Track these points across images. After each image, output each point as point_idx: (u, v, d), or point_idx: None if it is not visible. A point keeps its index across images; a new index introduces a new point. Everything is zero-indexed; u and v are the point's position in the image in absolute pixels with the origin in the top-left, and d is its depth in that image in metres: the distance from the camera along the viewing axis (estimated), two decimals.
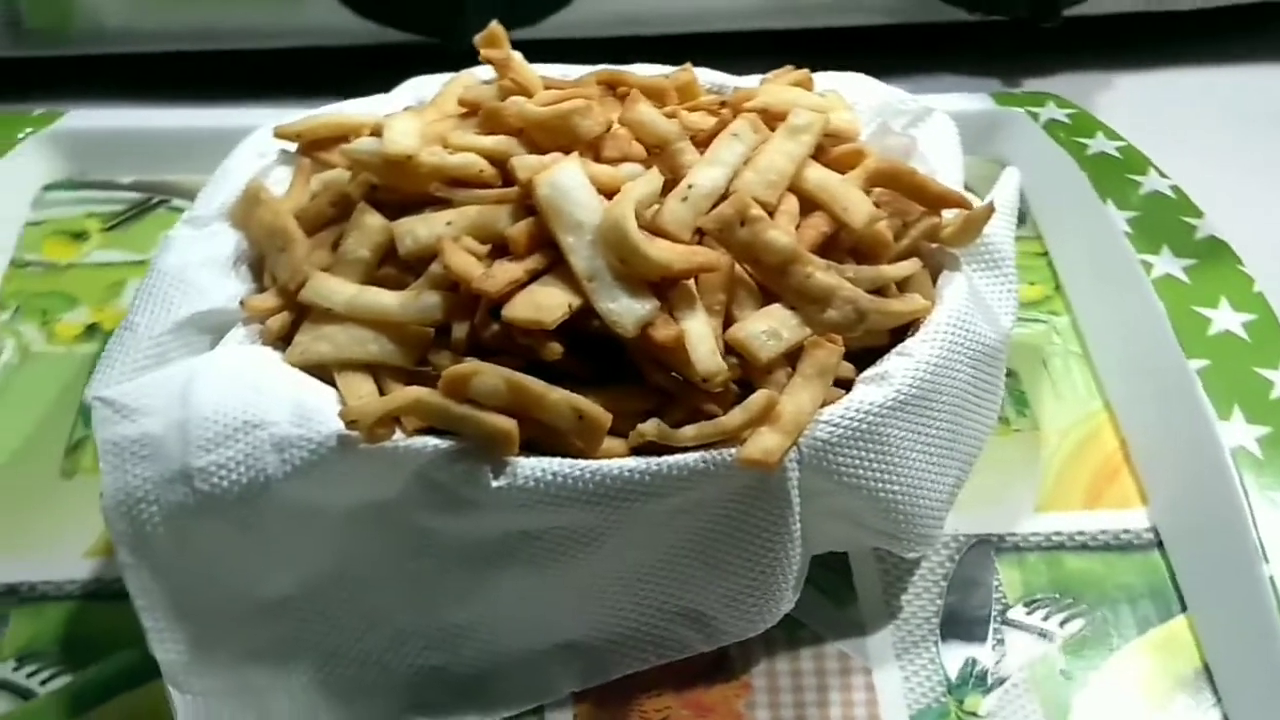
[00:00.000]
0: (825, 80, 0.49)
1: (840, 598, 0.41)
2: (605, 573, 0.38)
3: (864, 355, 0.40)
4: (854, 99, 0.48)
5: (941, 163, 0.45)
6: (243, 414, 0.35)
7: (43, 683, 0.39)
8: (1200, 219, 0.52)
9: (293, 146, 0.45)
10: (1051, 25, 0.66)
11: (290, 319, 0.39)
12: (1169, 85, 0.70)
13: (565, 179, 0.37)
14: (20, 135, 0.59)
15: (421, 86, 0.49)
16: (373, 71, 0.51)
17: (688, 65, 0.48)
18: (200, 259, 0.41)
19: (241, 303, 0.39)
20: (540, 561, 0.37)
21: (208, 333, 0.39)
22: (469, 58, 0.47)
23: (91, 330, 0.52)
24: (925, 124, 0.47)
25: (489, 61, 0.43)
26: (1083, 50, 0.71)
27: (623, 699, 0.39)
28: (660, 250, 0.36)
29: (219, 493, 0.35)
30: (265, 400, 0.36)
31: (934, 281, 0.42)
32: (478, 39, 0.45)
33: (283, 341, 0.39)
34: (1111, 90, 0.70)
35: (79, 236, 0.57)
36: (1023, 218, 0.57)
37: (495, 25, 0.45)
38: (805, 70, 0.47)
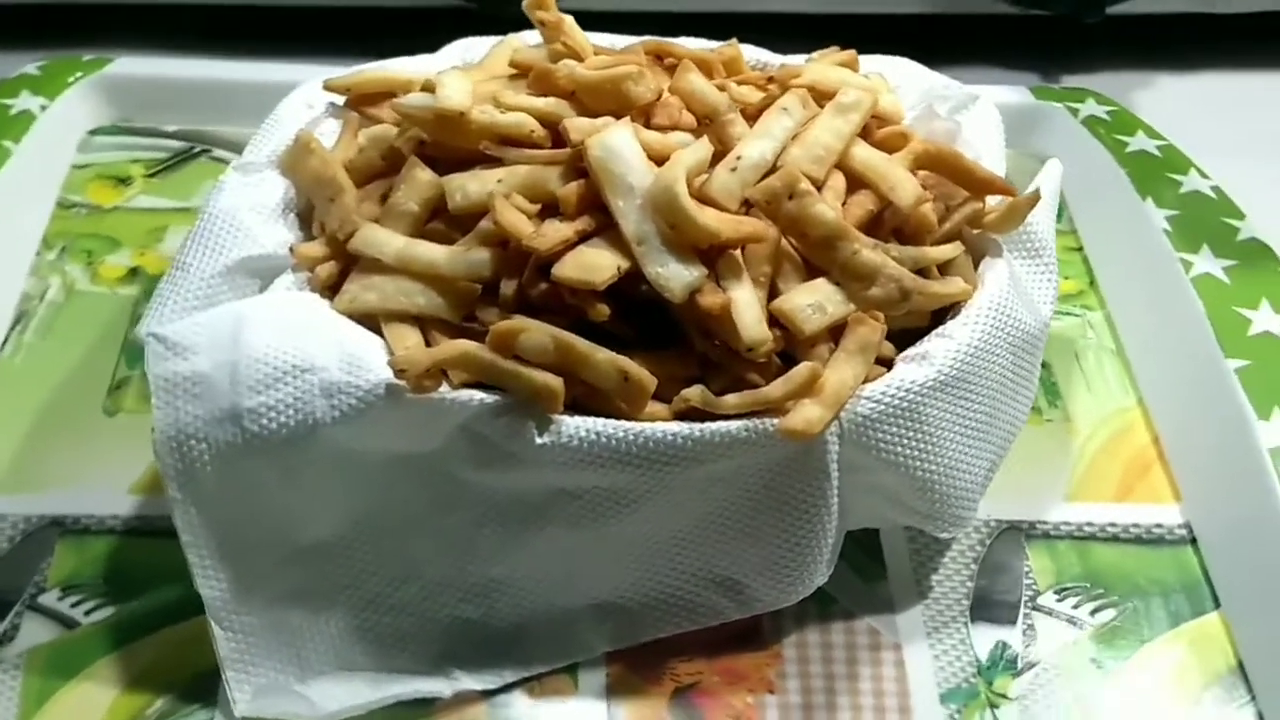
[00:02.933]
0: (870, 63, 0.49)
1: (869, 574, 0.42)
2: (642, 536, 0.38)
3: (903, 336, 0.40)
4: (898, 83, 0.48)
5: (985, 150, 0.45)
6: (292, 358, 0.36)
7: (86, 613, 0.40)
8: (1242, 220, 0.52)
9: (340, 100, 0.46)
10: (1094, 22, 0.66)
11: (338, 268, 0.39)
12: (1210, 87, 0.70)
13: (617, 142, 0.37)
14: (70, 80, 0.59)
15: (469, 48, 0.49)
16: (414, 34, 0.52)
17: (733, 41, 0.48)
18: (251, 204, 0.41)
19: (291, 249, 0.40)
20: (578, 521, 0.37)
21: (257, 277, 0.40)
22: (511, 25, 0.48)
23: (134, 273, 0.52)
24: (970, 111, 0.47)
25: (541, 23, 0.43)
26: (1124, 49, 0.71)
27: (655, 662, 0.39)
28: (710, 218, 0.36)
29: (267, 434, 0.35)
30: (314, 345, 0.36)
31: (975, 266, 0.42)
32: (526, 3, 0.45)
33: (330, 290, 0.39)
34: (1152, 90, 0.70)
35: (123, 181, 0.57)
36: (1059, 213, 0.57)
37: None
38: (851, 51, 0.47)
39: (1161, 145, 0.57)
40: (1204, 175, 0.55)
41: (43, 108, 0.57)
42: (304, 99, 0.46)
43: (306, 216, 0.42)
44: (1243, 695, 0.39)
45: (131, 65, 0.61)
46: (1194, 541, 0.43)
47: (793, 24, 0.65)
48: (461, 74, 0.42)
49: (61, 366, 0.48)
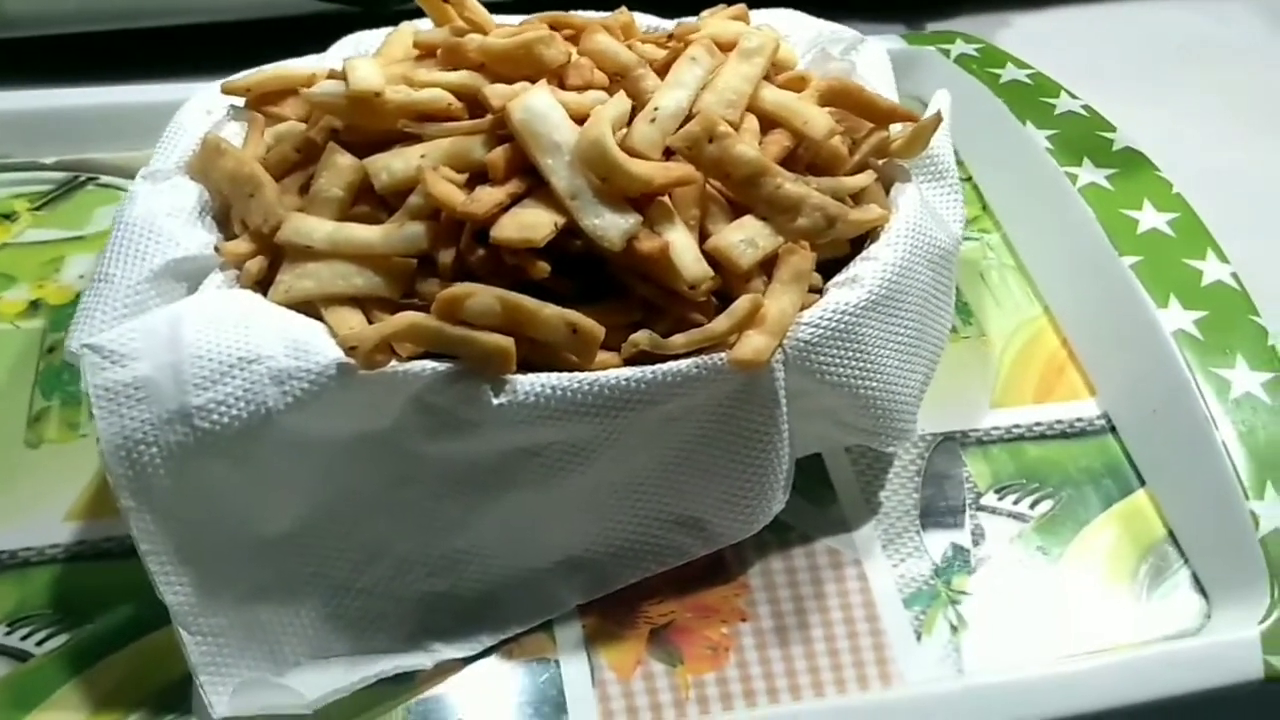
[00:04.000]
0: (758, 17, 0.50)
1: (821, 499, 0.43)
2: (603, 485, 0.39)
3: (827, 267, 0.41)
4: (787, 31, 0.49)
5: (880, 85, 0.47)
6: (236, 350, 0.35)
7: (39, 644, 0.38)
8: (1114, 133, 0.55)
9: (240, 102, 0.45)
10: None
11: (266, 262, 0.39)
12: (1061, 22, 0.74)
13: (538, 103, 0.38)
14: None
15: (361, 41, 0.49)
16: (287, 45, 0.51)
17: (623, 8, 0.49)
18: (166, 209, 0.40)
19: (216, 248, 0.39)
20: (539, 480, 0.38)
21: (183, 280, 0.39)
22: (387, 24, 0.48)
23: (35, 306, 0.51)
24: (860, 51, 0.49)
25: (444, 0, 0.43)
26: None
27: (628, 608, 0.40)
28: (640, 166, 0.37)
29: (219, 429, 0.35)
30: (257, 335, 0.36)
31: (886, 193, 0.44)
32: None
33: (260, 285, 0.39)
34: (1010, 29, 0.73)
35: (8, 217, 0.55)
36: None
37: None
38: (741, 6, 0.49)
39: (1031, 74, 0.60)
40: (1074, 97, 0.58)
41: None
42: (202, 105, 0.45)
43: (223, 219, 0.42)
44: (1177, 560, 0.42)
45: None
46: (1113, 429, 0.46)
47: None
48: (369, 59, 0.42)
49: None
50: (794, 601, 0.40)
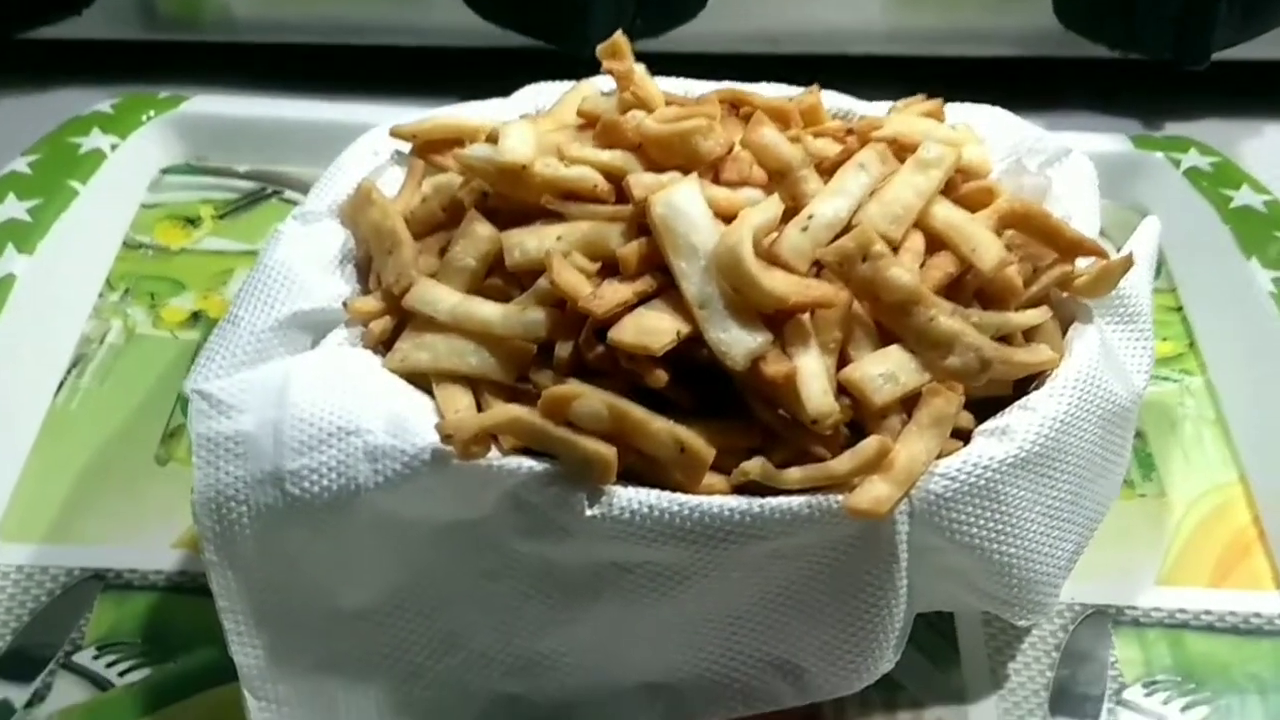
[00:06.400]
0: (958, 112, 0.46)
1: (942, 659, 0.39)
2: (696, 613, 0.36)
3: (984, 405, 0.37)
4: (987, 133, 0.45)
5: (1078, 207, 0.42)
6: (338, 419, 0.34)
7: (121, 674, 0.39)
8: None
9: (407, 147, 0.45)
10: (1197, 68, 0.62)
11: (393, 324, 0.38)
12: None
13: (682, 200, 0.35)
14: (144, 118, 0.59)
15: (540, 94, 0.48)
16: (492, 74, 0.51)
17: (814, 87, 0.46)
18: (307, 255, 0.40)
19: (345, 304, 0.39)
20: (629, 596, 0.35)
21: (309, 331, 0.38)
22: (590, 66, 0.46)
23: (196, 317, 0.52)
24: (1062, 165, 0.44)
25: (610, 73, 0.42)
26: (1230, 95, 0.68)
27: None
28: (776, 282, 0.34)
29: (309, 498, 0.34)
30: (361, 406, 0.35)
31: (1063, 332, 0.39)
32: (600, 49, 0.44)
33: (383, 346, 0.38)
34: (1259, 139, 0.66)
35: (192, 222, 0.57)
36: (1158, 269, 0.54)
37: (619, 35, 0.44)
38: (937, 101, 0.45)
39: (1268, 201, 0.54)
40: None
41: (113, 147, 0.57)
42: (370, 145, 0.45)
43: (365, 267, 0.41)
44: None
45: (206, 104, 0.61)
46: None
47: (877, 67, 0.63)
48: (527, 124, 0.40)
49: (117, 412, 0.47)
50: None
